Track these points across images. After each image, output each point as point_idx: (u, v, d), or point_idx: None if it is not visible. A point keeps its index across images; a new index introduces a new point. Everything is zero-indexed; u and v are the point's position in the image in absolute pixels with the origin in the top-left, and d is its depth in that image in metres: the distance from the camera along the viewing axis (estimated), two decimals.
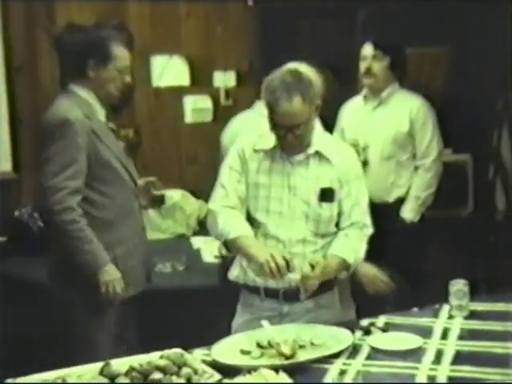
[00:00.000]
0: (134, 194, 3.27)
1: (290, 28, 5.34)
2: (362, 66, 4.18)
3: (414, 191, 4.15)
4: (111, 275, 3.09)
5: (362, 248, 2.89)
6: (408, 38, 4.17)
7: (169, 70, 4.96)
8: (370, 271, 3.14)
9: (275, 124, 2.74)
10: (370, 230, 2.93)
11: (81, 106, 3.15)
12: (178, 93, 5.00)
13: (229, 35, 5.11)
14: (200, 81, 5.03)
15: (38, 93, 4.84)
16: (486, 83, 4.68)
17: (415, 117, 4.13)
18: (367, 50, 4.16)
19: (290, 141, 2.75)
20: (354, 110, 4.30)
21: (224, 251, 2.92)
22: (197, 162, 5.05)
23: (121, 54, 3.21)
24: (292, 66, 3.03)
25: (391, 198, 4.18)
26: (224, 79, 5.03)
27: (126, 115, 4.98)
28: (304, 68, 3.07)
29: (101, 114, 3.23)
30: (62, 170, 3.06)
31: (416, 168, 4.17)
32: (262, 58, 5.12)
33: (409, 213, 4.15)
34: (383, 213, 3.58)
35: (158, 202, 4.42)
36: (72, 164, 3.07)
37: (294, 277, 2.73)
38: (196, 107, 5.00)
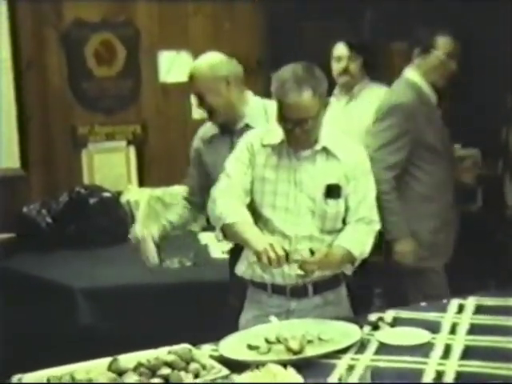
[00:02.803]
0: (451, 173, 3.71)
1: (297, 25, 5.34)
2: (339, 66, 4.34)
3: None
4: (407, 247, 3.54)
5: (368, 242, 2.86)
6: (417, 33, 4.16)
7: (176, 66, 4.95)
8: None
9: (283, 117, 2.72)
10: (377, 226, 2.90)
11: (413, 90, 3.61)
12: (185, 88, 4.98)
13: (236, 31, 5.11)
14: None
15: (47, 89, 4.85)
16: (495, 78, 4.66)
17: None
18: (342, 50, 4.34)
19: (297, 135, 2.71)
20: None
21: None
22: None
23: (443, 43, 3.64)
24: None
25: None
26: None
27: (132, 111, 5.01)
28: None
29: (432, 98, 3.67)
30: (384, 146, 3.51)
31: None
32: (269, 54, 5.12)
33: None
34: None
35: None
36: (393, 142, 3.52)
37: (289, 269, 2.71)
38: None
